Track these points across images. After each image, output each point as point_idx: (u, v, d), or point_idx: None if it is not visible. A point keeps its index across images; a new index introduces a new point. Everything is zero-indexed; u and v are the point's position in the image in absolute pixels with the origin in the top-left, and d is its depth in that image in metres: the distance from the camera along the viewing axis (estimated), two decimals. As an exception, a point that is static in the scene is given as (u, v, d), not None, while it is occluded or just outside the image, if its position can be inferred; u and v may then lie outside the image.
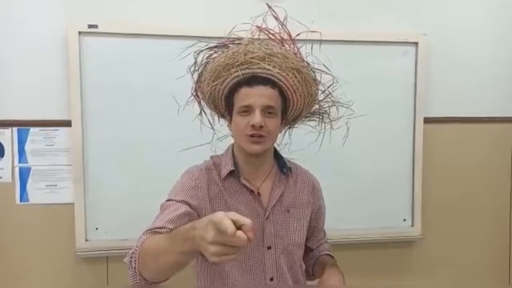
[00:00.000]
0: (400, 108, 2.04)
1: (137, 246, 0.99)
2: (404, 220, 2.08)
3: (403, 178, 2.06)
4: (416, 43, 2.02)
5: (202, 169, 1.21)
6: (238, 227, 0.72)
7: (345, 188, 1.95)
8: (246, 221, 0.72)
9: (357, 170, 2.00)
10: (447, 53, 2.08)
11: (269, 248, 1.18)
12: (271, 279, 1.18)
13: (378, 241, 2.04)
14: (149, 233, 1.03)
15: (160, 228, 1.04)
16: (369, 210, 2.02)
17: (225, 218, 0.71)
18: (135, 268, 0.97)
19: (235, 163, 1.20)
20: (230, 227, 0.70)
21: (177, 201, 1.12)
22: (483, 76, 2.13)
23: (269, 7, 1.21)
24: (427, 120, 2.05)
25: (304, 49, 1.23)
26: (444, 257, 2.17)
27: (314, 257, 1.33)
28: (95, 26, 1.76)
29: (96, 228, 1.82)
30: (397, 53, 2.02)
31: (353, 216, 1.99)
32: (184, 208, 1.09)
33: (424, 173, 2.06)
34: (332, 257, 1.32)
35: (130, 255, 0.99)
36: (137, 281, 0.97)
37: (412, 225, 2.07)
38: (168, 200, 1.14)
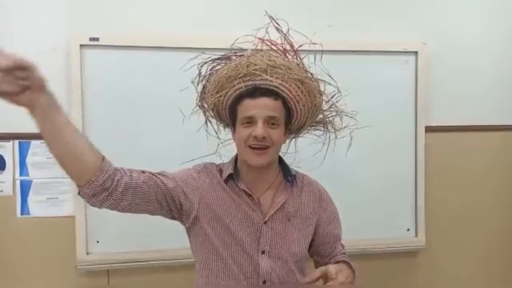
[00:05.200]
0: (402, 117, 2.04)
1: None
2: (408, 230, 2.06)
3: (406, 187, 2.05)
4: (415, 52, 2.03)
5: (209, 165, 1.25)
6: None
7: (347, 198, 1.92)
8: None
9: (359, 179, 2.00)
10: (447, 61, 2.08)
11: (263, 252, 1.18)
12: (264, 282, 1.17)
13: (381, 251, 2.03)
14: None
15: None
16: (372, 220, 2.01)
17: None
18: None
19: (236, 170, 1.21)
20: None
21: (171, 175, 1.18)
22: (483, 83, 2.13)
23: (272, 18, 1.21)
24: (429, 129, 2.06)
25: (307, 60, 1.24)
26: (448, 267, 2.15)
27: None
28: (97, 39, 1.77)
29: (97, 241, 1.81)
30: (397, 63, 2.03)
31: (356, 226, 1.96)
32: (161, 180, 1.13)
33: (427, 182, 2.05)
34: (349, 263, 1.24)
35: None
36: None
37: (416, 235, 2.06)
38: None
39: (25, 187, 1.79)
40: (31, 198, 1.80)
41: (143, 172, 1.13)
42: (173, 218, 1.21)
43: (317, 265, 1.33)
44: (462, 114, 2.12)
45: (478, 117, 2.13)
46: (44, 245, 1.80)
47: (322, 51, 1.29)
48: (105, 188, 1.03)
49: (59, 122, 0.95)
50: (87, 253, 1.80)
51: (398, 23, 2.05)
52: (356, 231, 1.97)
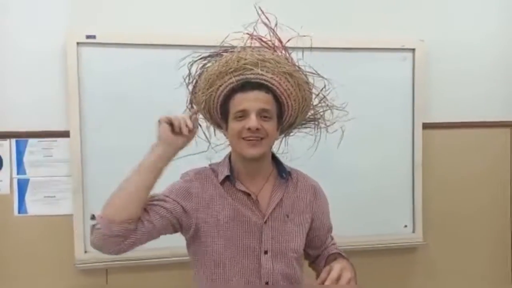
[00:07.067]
0: (399, 114, 2.04)
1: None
2: (405, 226, 2.07)
3: (404, 183, 2.05)
4: (413, 50, 2.03)
5: (199, 171, 1.23)
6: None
7: (344, 194, 1.94)
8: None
9: (357, 176, 2.00)
10: (445, 58, 2.08)
11: (265, 252, 1.18)
12: (266, 283, 1.17)
13: (379, 248, 2.03)
14: None
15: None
16: (370, 216, 2.01)
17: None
18: (100, 217, 1.07)
19: (232, 170, 1.21)
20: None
21: (165, 196, 1.17)
22: (481, 80, 2.13)
23: (261, 13, 1.22)
24: (426, 126, 2.06)
25: (296, 55, 1.24)
26: (446, 263, 2.15)
27: (323, 258, 1.30)
28: (93, 37, 1.77)
29: (96, 239, 1.80)
30: (394, 60, 2.03)
31: (354, 222, 1.97)
32: (162, 206, 1.13)
33: (424, 178, 2.05)
34: (343, 255, 1.27)
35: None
36: (101, 231, 1.07)
37: (414, 231, 2.06)
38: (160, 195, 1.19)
39: (22, 186, 1.79)
40: (28, 196, 1.80)
41: (146, 211, 1.11)
42: (175, 232, 1.21)
43: (308, 257, 1.34)
44: (459, 111, 2.12)
45: (475, 114, 2.13)
46: (42, 244, 1.80)
47: (313, 48, 1.29)
48: (129, 230, 1.07)
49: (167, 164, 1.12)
50: (85, 252, 1.80)
51: (396, 20, 2.04)
52: (353, 227, 1.97)
